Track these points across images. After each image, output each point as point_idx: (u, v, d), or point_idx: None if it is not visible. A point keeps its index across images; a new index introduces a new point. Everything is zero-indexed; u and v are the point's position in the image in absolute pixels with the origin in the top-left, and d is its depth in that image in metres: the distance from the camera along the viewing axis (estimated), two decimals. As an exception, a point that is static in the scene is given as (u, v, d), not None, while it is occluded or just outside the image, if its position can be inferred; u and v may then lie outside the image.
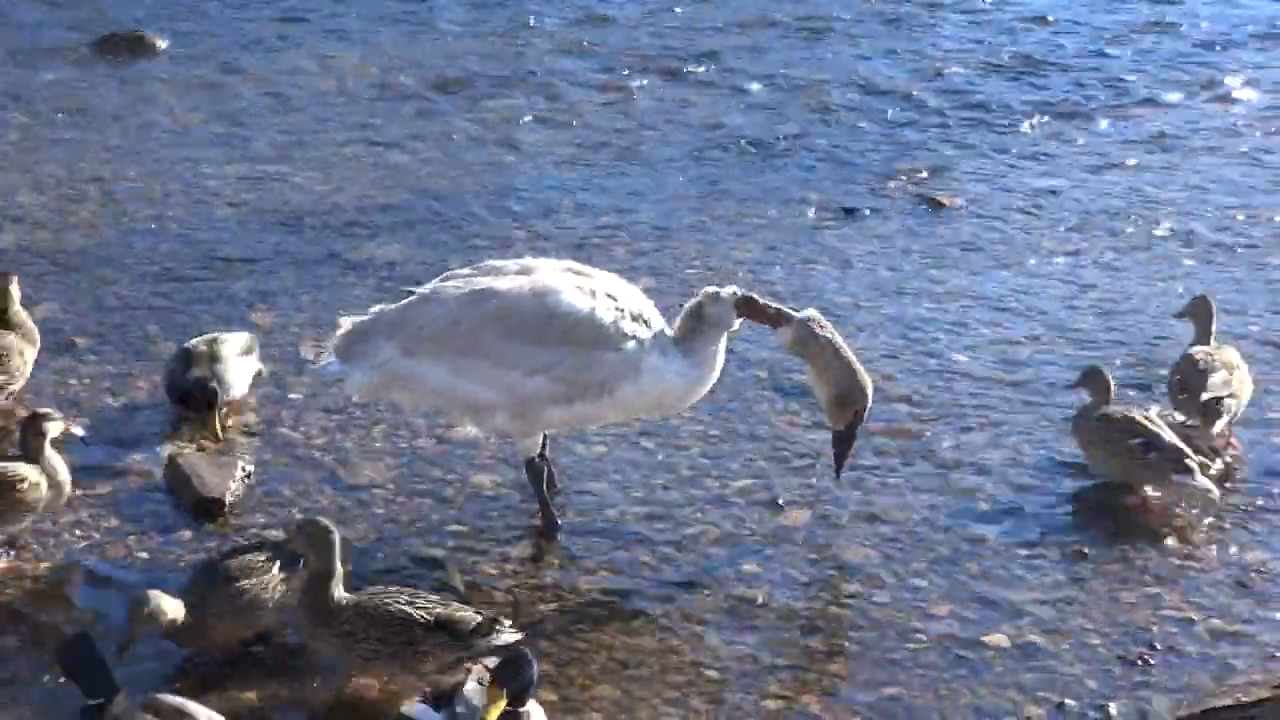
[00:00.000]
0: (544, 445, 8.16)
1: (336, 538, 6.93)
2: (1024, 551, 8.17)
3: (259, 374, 9.36)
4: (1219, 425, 8.86)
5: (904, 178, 12.75)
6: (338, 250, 11.31)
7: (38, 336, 9.23)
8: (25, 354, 9.07)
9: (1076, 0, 16.72)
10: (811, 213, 12.08)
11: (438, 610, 6.92)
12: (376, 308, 8.18)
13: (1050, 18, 16.24)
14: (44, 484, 7.74)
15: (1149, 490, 8.52)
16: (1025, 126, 13.75)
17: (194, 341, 9.25)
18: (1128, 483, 8.57)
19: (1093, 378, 8.83)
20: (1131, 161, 13.06)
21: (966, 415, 9.40)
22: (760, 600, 7.73)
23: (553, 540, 8.15)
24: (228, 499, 8.31)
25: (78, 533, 8.10)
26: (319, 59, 15.03)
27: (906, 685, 7.22)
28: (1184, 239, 11.68)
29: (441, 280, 8.10)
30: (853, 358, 8.04)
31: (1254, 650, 7.49)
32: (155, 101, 14.02)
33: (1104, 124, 13.84)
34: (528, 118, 13.78)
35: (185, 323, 10.15)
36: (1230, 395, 8.90)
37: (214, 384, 8.91)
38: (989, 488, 8.70)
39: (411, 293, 8.12)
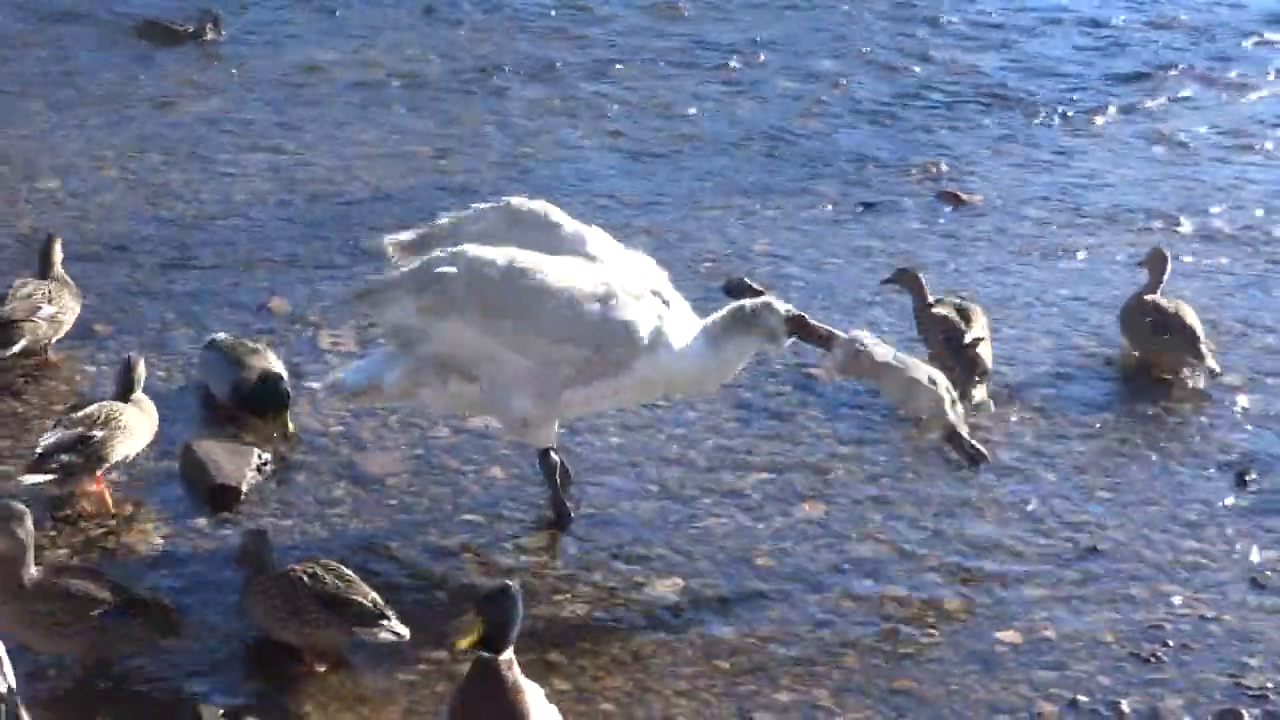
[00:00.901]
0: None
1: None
2: (1037, 547, 8.16)
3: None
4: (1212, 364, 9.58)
5: (922, 172, 12.73)
6: (355, 240, 11.32)
7: (79, 294, 9.72)
8: (69, 305, 9.56)
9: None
10: (830, 207, 12.07)
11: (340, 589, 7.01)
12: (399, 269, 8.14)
13: (1070, 13, 16.21)
14: (139, 418, 8.30)
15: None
16: (1045, 122, 13.72)
17: (221, 338, 9.25)
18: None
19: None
20: (1152, 158, 13.03)
21: (977, 412, 9.38)
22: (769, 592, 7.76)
23: (565, 531, 8.16)
24: (244, 487, 8.33)
25: (96, 519, 8.12)
26: (342, 49, 15.05)
27: (918, 679, 7.22)
28: (1208, 236, 11.65)
29: (472, 222, 8.14)
30: (911, 367, 8.00)
31: (1267, 649, 7.48)
32: (179, 90, 14.04)
33: (1124, 119, 13.80)
34: (547, 110, 13.78)
35: (202, 311, 10.17)
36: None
37: (285, 383, 8.94)
38: (1002, 483, 8.70)
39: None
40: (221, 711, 6.71)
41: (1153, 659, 7.37)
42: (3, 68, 14.27)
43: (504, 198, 8.50)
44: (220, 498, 8.27)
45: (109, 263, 10.78)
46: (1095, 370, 9.86)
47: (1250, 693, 7.18)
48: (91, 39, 15.03)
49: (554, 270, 7.78)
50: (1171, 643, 7.47)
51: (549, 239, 8.08)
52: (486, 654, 5.77)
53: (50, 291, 9.51)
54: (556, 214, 8.23)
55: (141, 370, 8.43)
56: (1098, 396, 9.57)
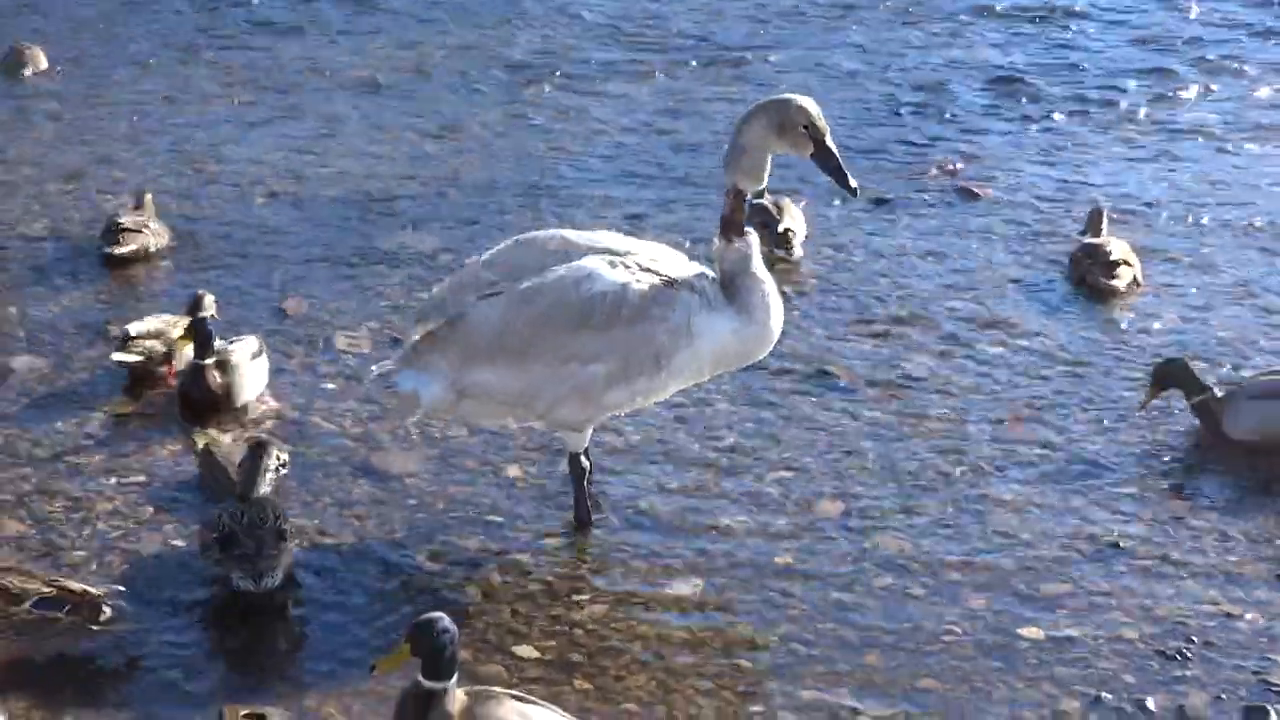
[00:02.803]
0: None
1: None
2: (1059, 544, 8.14)
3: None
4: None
5: (937, 168, 12.70)
6: (371, 239, 11.31)
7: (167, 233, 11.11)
8: (160, 234, 11.03)
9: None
10: (838, 201, 12.03)
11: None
12: (423, 328, 8.06)
13: (1086, 7, 16.16)
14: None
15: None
16: (1060, 117, 13.68)
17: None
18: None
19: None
20: (1170, 152, 12.98)
21: (999, 408, 9.37)
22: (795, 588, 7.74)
23: (585, 532, 8.14)
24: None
25: (114, 522, 8.11)
26: (354, 48, 15.04)
27: (941, 677, 7.20)
28: (1227, 229, 11.60)
29: (483, 266, 8.02)
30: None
31: (1292, 645, 7.46)
32: (193, 87, 14.04)
33: (1141, 114, 13.75)
34: (563, 107, 13.76)
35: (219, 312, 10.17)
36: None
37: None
38: (1023, 479, 8.67)
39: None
40: (244, 712, 6.69)
41: (1178, 656, 7.33)
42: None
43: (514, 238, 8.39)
44: (239, 500, 8.24)
45: (123, 263, 10.76)
46: (1108, 367, 9.82)
47: (1277, 689, 7.14)
48: (102, 32, 15.04)
49: (570, 291, 7.72)
50: (1196, 639, 7.43)
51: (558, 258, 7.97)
52: (427, 682, 6.05)
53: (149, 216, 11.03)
54: (566, 236, 8.14)
55: (210, 301, 9.31)
56: (1118, 390, 9.53)
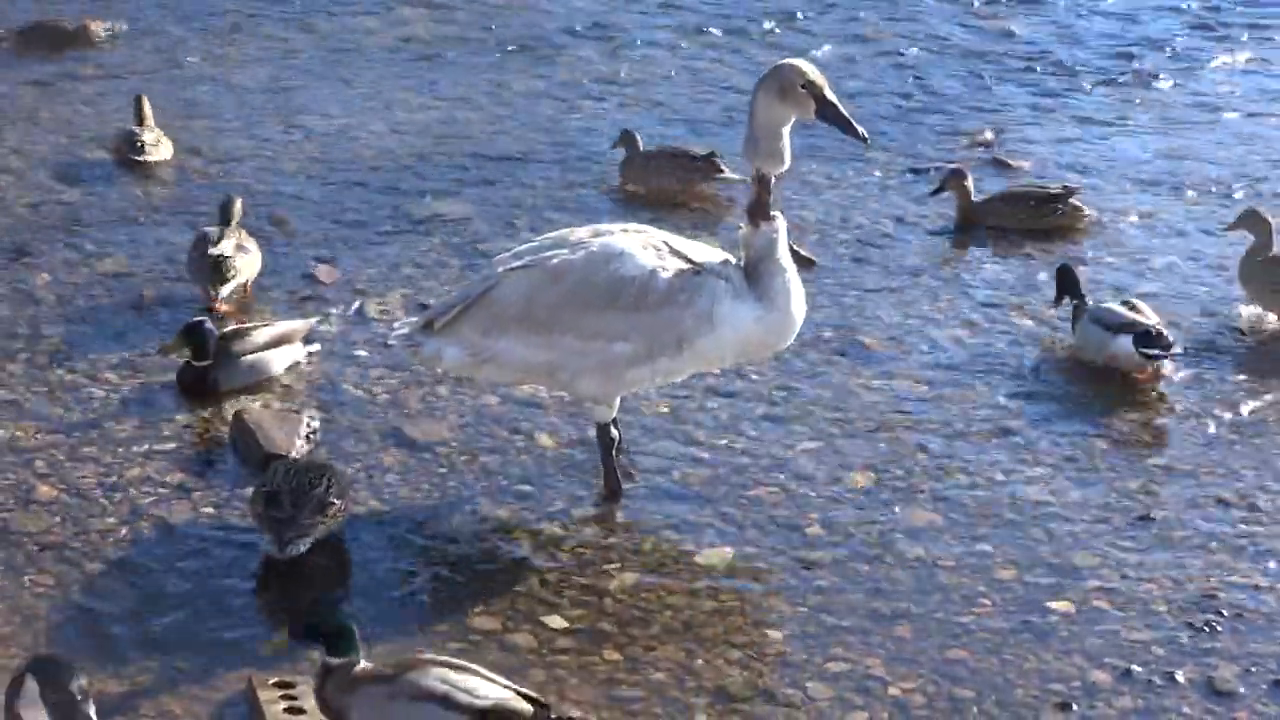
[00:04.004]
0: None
1: None
2: (1090, 516, 8.12)
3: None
4: None
5: (971, 139, 12.68)
6: (402, 207, 11.33)
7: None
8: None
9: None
10: (878, 173, 12.02)
11: None
12: (451, 292, 8.08)
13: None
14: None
15: None
16: (1093, 88, 13.63)
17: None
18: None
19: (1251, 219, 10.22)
20: (1203, 125, 12.93)
21: (1031, 379, 9.35)
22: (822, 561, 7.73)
23: (615, 503, 8.15)
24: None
25: (145, 488, 8.13)
26: (386, 15, 15.04)
27: (970, 649, 7.18)
28: (1260, 202, 11.54)
29: (513, 255, 8.05)
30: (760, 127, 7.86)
31: (1322, 618, 7.43)
32: (223, 58, 14.06)
33: (1173, 86, 13.71)
34: (594, 76, 13.75)
35: (251, 282, 10.21)
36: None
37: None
38: (1054, 451, 8.65)
39: (479, 262, 8.09)
40: (273, 680, 6.71)
41: (1207, 628, 7.31)
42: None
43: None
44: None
45: (157, 233, 10.79)
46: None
47: (1306, 663, 7.14)
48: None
49: (600, 269, 7.75)
50: (1226, 612, 7.41)
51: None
52: (330, 658, 6.27)
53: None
54: (596, 227, 8.16)
55: (239, 206, 10.15)
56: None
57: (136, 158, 11.87)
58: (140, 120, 12.14)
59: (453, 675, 6.22)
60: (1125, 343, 9.27)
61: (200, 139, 12.43)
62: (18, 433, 8.57)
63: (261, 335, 9.18)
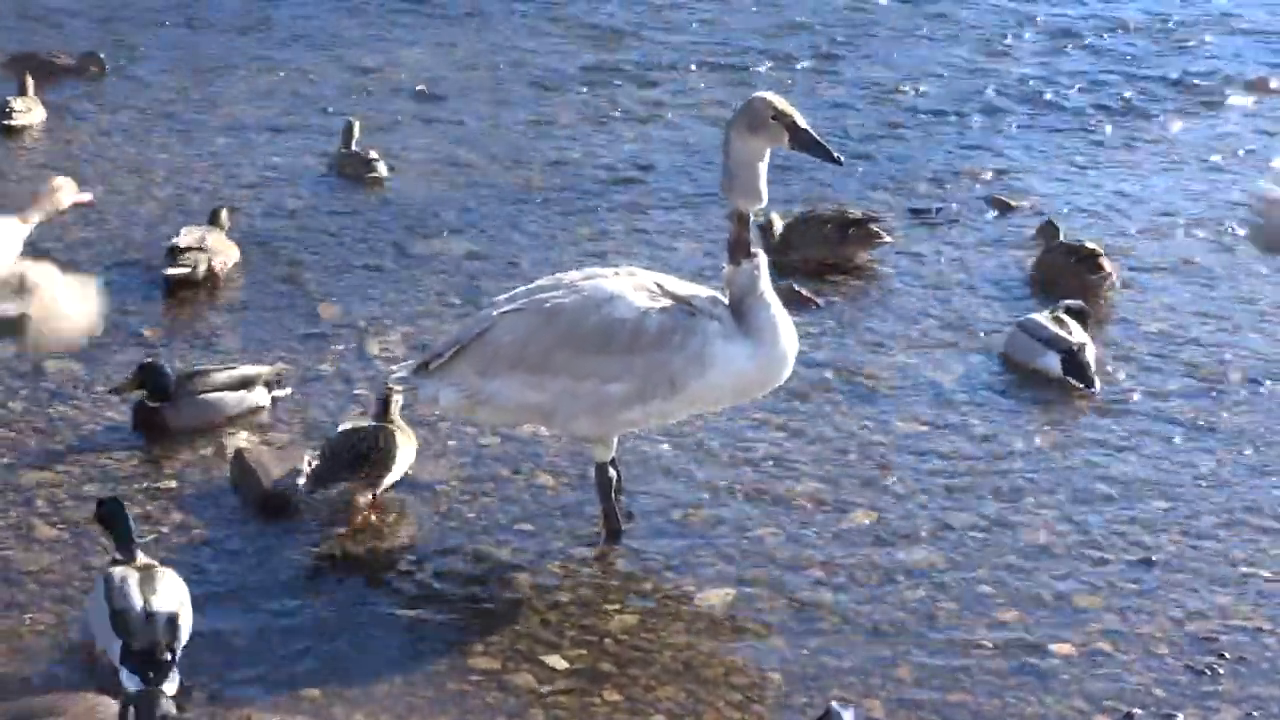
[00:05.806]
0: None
1: None
2: (1090, 559, 8.11)
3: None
4: None
5: (971, 178, 12.70)
6: (405, 245, 11.34)
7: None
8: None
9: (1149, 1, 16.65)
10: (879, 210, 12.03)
11: None
12: (448, 334, 8.10)
13: (1121, 19, 16.14)
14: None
15: None
16: (1094, 128, 13.66)
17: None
18: None
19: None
20: (1205, 163, 12.96)
21: (1032, 420, 9.36)
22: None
23: (616, 542, 8.14)
24: (295, 494, 8.33)
25: (144, 527, 8.12)
26: (392, 52, 15.10)
27: (971, 692, 7.17)
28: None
29: (508, 299, 8.09)
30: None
31: (1324, 661, 7.42)
32: (230, 86, 14.11)
33: (1175, 125, 13.75)
34: (598, 115, 13.78)
35: (253, 317, 10.24)
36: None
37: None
38: (1054, 491, 8.65)
39: (481, 301, 8.11)
40: (275, 719, 6.70)
41: (1208, 671, 7.30)
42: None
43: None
44: (272, 505, 8.27)
45: (157, 268, 10.78)
46: (1142, 380, 9.79)
47: (1308, 707, 7.13)
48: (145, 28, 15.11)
49: (591, 313, 7.78)
50: (1228, 655, 7.40)
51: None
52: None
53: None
54: (580, 272, 8.21)
55: (225, 217, 10.99)
56: (1151, 405, 9.50)
57: (4, 122, 12.91)
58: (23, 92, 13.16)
59: None
60: (1054, 362, 9.64)
61: (201, 169, 12.46)
62: (19, 471, 8.58)
63: (221, 376, 9.16)
